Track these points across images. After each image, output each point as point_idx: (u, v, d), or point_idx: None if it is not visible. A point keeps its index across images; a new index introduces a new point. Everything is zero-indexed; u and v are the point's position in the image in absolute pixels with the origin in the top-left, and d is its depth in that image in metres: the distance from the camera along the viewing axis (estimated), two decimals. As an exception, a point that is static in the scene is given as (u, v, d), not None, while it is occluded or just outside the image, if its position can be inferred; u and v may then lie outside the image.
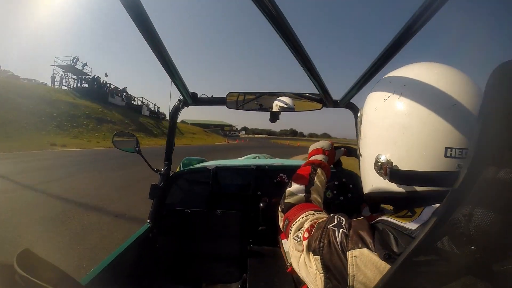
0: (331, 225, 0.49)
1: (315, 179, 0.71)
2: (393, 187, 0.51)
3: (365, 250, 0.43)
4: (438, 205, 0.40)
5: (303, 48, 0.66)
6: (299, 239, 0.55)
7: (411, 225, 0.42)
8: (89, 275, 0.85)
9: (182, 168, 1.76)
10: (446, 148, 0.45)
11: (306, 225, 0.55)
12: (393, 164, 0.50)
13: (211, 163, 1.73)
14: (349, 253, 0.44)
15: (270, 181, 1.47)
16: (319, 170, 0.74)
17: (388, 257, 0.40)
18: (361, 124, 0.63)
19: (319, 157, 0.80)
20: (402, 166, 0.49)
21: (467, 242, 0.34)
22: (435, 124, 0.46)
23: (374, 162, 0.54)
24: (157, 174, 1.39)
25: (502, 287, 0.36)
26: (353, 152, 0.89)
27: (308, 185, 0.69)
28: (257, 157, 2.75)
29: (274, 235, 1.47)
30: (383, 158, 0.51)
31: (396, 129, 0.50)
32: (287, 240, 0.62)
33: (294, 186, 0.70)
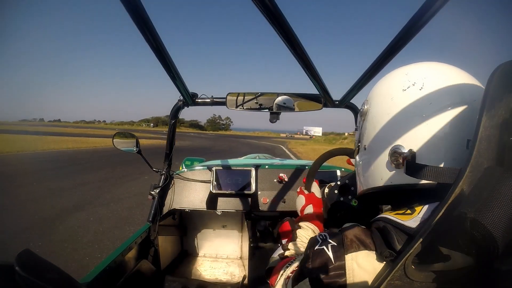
0: (317, 246, 0.49)
1: (298, 233, 0.77)
2: (406, 180, 0.49)
3: (364, 251, 0.43)
4: (437, 203, 0.40)
5: (303, 48, 0.66)
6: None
7: (411, 223, 0.42)
8: (89, 275, 0.85)
9: (183, 169, 1.76)
10: (468, 140, 0.45)
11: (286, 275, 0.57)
12: (414, 155, 0.48)
13: (211, 163, 1.73)
14: (347, 257, 0.43)
15: (270, 181, 1.47)
16: (301, 224, 0.80)
17: (389, 255, 0.40)
18: (365, 116, 0.60)
19: (305, 212, 0.88)
20: (422, 158, 0.47)
21: (468, 240, 0.34)
22: (458, 116, 0.46)
23: (388, 153, 0.51)
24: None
25: (502, 287, 0.36)
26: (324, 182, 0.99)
27: (287, 244, 0.75)
28: (257, 157, 2.75)
29: (274, 235, 1.47)
30: (401, 149, 0.49)
31: (417, 120, 0.49)
32: None
33: (276, 251, 0.76)
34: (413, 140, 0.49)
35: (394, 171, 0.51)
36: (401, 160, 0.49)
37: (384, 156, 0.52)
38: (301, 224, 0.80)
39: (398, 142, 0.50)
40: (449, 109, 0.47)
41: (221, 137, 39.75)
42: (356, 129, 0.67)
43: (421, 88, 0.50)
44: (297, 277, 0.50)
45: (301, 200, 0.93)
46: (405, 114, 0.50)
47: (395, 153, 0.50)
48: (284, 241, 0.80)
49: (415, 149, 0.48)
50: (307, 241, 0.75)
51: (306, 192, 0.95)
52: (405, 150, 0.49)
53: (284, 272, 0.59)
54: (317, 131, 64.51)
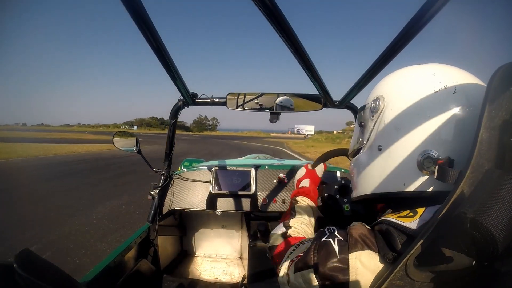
0: (324, 238, 0.49)
1: (296, 209, 0.77)
2: (436, 187, 0.47)
3: (367, 251, 0.43)
4: (439, 205, 0.40)
5: (304, 49, 0.66)
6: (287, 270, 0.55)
7: (413, 225, 0.43)
8: (89, 275, 0.85)
9: (183, 169, 1.76)
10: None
11: (290, 259, 0.56)
12: (452, 162, 0.45)
13: (211, 163, 1.73)
14: (351, 256, 0.43)
15: (270, 181, 1.47)
16: (298, 198, 0.80)
17: (391, 257, 0.40)
18: (381, 114, 0.55)
19: (300, 186, 0.88)
20: (457, 165, 0.45)
21: (469, 241, 0.34)
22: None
23: (418, 158, 0.48)
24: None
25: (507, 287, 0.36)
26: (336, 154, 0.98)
27: (287, 221, 0.74)
28: (257, 157, 2.75)
29: None
30: (436, 155, 0.47)
31: (453, 125, 0.47)
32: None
33: (276, 227, 0.75)
34: (448, 145, 0.47)
35: (422, 177, 0.48)
36: (434, 167, 0.46)
37: (411, 160, 0.49)
38: (298, 198, 0.81)
39: (430, 146, 0.47)
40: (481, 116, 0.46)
41: (205, 139, 36.36)
42: (361, 125, 0.62)
43: (454, 92, 0.48)
44: (300, 265, 0.50)
45: (301, 172, 0.95)
46: (439, 118, 0.48)
47: (429, 158, 0.47)
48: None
49: (451, 155, 0.46)
50: (306, 216, 0.75)
51: (309, 167, 0.96)
52: (441, 156, 0.46)
53: (290, 255, 0.58)
54: (309, 129, 63.52)
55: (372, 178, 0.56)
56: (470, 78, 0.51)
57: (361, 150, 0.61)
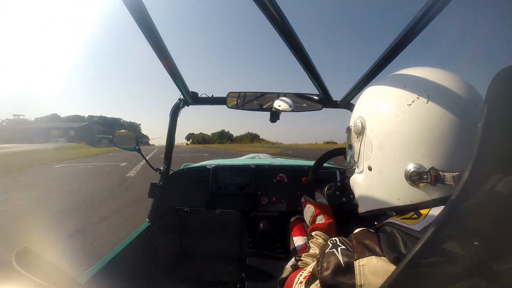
0: (327, 249, 0.49)
1: (311, 245, 0.79)
2: (428, 197, 0.48)
3: (373, 257, 0.43)
4: (442, 207, 0.40)
5: (304, 49, 0.66)
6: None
7: (417, 227, 0.43)
8: (88, 274, 0.85)
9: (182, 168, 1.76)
10: None
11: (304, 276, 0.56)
12: (440, 170, 0.46)
13: (211, 163, 1.73)
14: (356, 263, 0.43)
15: (270, 181, 1.47)
16: (314, 233, 0.82)
17: (397, 259, 0.40)
18: (363, 135, 0.57)
19: (315, 224, 0.88)
20: (444, 170, 0.46)
21: (470, 241, 0.35)
22: (470, 124, 0.46)
23: (406, 173, 0.49)
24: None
25: (505, 287, 0.36)
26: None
27: (301, 254, 0.76)
28: (257, 157, 2.75)
29: (273, 235, 1.47)
30: (421, 168, 0.47)
31: (433, 134, 0.47)
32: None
33: (290, 261, 0.78)
34: (434, 155, 0.47)
35: (414, 190, 0.49)
36: (424, 178, 0.47)
37: (400, 177, 0.50)
38: (313, 234, 0.82)
39: (415, 160, 0.48)
40: (461, 118, 0.46)
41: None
42: (349, 147, 0.64)
43: (427, 101, 0.48)
44: (310, 280, 0.50)
45: (310, 209, 0.94)
46: (417, 131, 0.48)
47: (415, 173, 0.48)
48: (297, 245, 0.83)
49: (438, 164, 0.47)
50: (317, 250, 0.76)
51: (312, 201, 0.95)
52: (425, 168, 0.47)
53: (298, 280, 0.58)
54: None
55: (370, 196, 0.58)
56: (443, 80, 0.50)
57: (355, 170, 0.62)
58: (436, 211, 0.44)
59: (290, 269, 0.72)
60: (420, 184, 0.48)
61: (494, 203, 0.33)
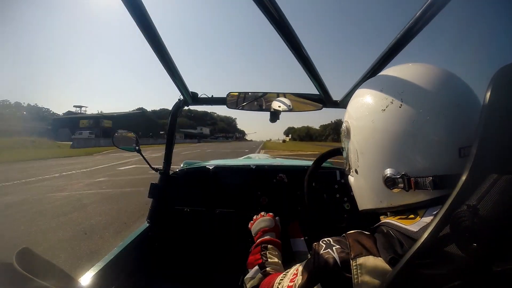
0: (322, 250, 0.48)
1: (268, 255, 0.78)
2: (406, 200, 0.48)
3: (370, 257, 0.43)
4: (439, 206, 0.40)
5: (304, 48, 0.66)
6: None
7: (414, 227, 0.42)
8: (88, 274, 0.85)
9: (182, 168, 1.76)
10: (460, 149, 0.44)
11: (286, 283, 0.55)
12: (411, 176, 0.46)
13: (211, 163, 1.73)
14: (352, 262, 0.43)
15: (270, 181, 1.47)
16: (269, 246, 0.82)
17: (393, 260, 0.40)
18: (349, 139, 0.58)
19: (266, 236, 0.90)
20: (418, 175, 0.46)
21: (468, 242, 0.34)
22: (445, 126, 0.45)
23: (382, 178, 0.50)
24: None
25: None
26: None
27: (262, 263, 0.75)
28: (256, 157, 2.75)
29: None
30: (393, 172, 0.48)
31: (405, 139, 0.47)
32: None
33: (250, 272, 0.75)
34: (407, 160, 0.47)
35: (392, 194, 0.50)
36: (398, 183, 0.48)
37: (378, 181, 0.51)
38: (269, 246, 0.83)
39: (390, 166, 0.49)
40: (435, 122, 0.45)
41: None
42: (342, 149, 0.65)
43: (401, 105, 0.47)
44: (306, 284, 0.49)
45: (268, 223, 0.97)
46: (390, 136, 0.48)
47: (389, 179, 0.48)
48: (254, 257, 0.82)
49: (410, 169, 0.47)
50: (279, 262, 0.77)
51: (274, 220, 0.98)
52: (398, 175, 0.47)
53: (279, 285, 0.56)
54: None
55: (361, 196, 0.59)
56: (422, 79, 0.49)
57: (350, 171, 0.63)
58: (433, 211, 0.43)
59: (261, 275, 0.71)
60: (395, 190, 0.48)
61: (493, 203, 0.33)
